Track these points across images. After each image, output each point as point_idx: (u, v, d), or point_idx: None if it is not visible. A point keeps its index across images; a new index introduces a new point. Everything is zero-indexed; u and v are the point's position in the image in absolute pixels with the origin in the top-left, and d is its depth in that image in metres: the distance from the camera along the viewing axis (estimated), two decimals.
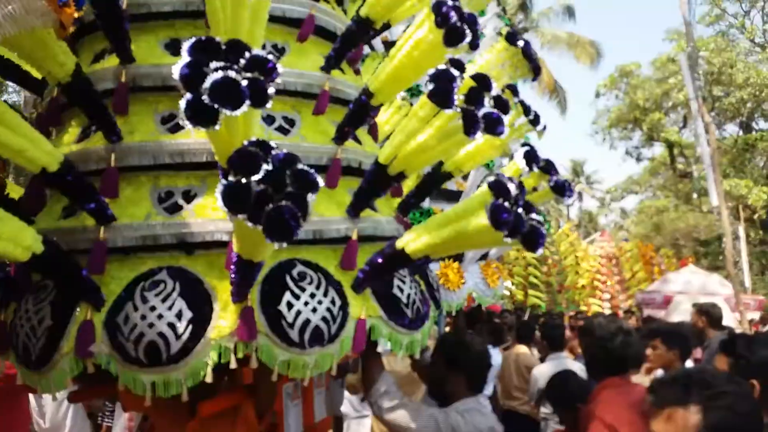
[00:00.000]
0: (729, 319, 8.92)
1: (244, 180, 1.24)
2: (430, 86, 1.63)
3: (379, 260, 1.82)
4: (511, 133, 2.15)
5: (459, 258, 4.87)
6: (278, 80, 1.33)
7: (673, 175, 24.45)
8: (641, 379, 3.33)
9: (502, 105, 1.74)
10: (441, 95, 1.63)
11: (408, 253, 1.74)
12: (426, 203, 4.45)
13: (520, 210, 1.51)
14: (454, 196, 5.29)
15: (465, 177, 5.46)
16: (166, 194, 1.84)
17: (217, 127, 1.25)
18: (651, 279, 15.32)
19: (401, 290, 1.96)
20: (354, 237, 1.89)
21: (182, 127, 1.86)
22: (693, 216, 29.58)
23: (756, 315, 10.98)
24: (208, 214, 1.77)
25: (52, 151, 1.61)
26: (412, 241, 1.74)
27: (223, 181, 1.24)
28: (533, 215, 1.53)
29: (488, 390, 5.15)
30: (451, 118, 1.68)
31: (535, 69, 2.24)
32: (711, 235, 29.27)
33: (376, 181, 1.94)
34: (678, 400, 1.37)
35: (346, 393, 4.89)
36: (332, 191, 1.97)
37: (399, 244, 1.77)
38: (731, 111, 19.65)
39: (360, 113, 2.01)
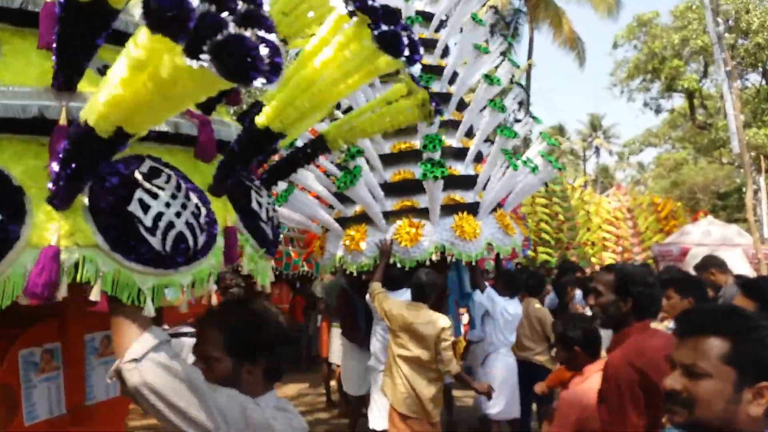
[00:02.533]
0: (746, 270, 8.87)
1: None
2: None
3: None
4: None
5: (473, 210, 4.91)
6: None
7: (692, 126, 23.93)
8: (657, 326, 3.34)
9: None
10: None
11: (272, 129, 1.40)
12: (437, 155, 4.48)
13: None
14: (461, 154, 5.29)
15: (469, 135, 5.49)
16: None
17: None
18: (664, 232, 15.22)
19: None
20: None
21: None
22: (711, 169, 29.14)
23: None
24: (22, 79, 1.27)
25: None
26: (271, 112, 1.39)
27: None
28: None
29: (512, 337, 5.28)
30: None
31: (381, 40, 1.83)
32: (729, 188, 28.89)
33: None
34: (708, 329, 1.32)
35: (372, 347, 4.97)
36: None
37: (258, 120, 1.41)
38: (749, 58, 19.04)
39: None
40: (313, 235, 7.20)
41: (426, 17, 5.73)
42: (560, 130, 50.07)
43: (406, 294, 4.52)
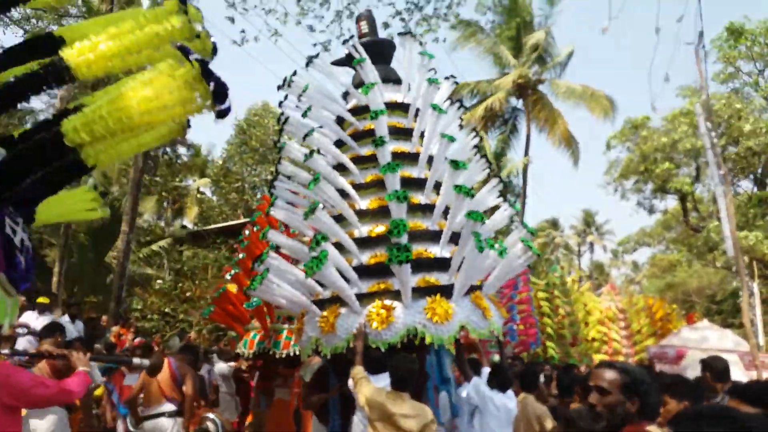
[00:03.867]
0: (742, 378, 8.66)
1: None
2: None
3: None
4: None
5: (447, 293, 4.90)
6: None
7: (685, 228, 24.26)
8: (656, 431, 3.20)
9: None
10: None
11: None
12: (405, 240, 4.56)
13: None
14: (438, 236, 5.37)
15: (447, 216, 5.56)
16: None
17: None
18: (658, 335, 15.07)
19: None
20: None
21: None
22: (706, 272, 29.20)
23: None
24: None
25: None
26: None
27: None
28: None
29: None
30: None
31: (216, 93, 1.64)
32: (724, 292, 28.83)
33: None
34: None
35: (357, 418, 4.73)
36: None
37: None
38: (741, 163, 19.62)
39: None
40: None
41: (403, 108, 6.05)
42: (554, 225, 50.65)
43: (388, 378, 4.40)
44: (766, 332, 18.31)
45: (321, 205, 4.91)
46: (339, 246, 5.07)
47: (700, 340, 10.55)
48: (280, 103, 6.03)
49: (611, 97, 25.57)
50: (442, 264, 5.08)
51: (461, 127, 6.19)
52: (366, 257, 5.14)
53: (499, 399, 5.02)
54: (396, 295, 4.81)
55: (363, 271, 5.03)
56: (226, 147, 26.68)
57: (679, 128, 20.42)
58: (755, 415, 1.37)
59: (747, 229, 18.73)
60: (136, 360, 3.98)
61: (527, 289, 12.92)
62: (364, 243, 5.21)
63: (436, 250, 5.19)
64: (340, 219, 5.33)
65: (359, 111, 6.05)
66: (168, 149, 25.38)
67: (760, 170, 20.59)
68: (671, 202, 24.74)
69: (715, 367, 4.90)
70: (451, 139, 5.37)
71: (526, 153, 26.48)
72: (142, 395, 5.87)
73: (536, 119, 26.58)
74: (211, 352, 9.07)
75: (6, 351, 4.28)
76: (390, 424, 3.90)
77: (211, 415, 6.37)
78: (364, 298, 4.89)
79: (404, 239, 4.48)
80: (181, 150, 26.66)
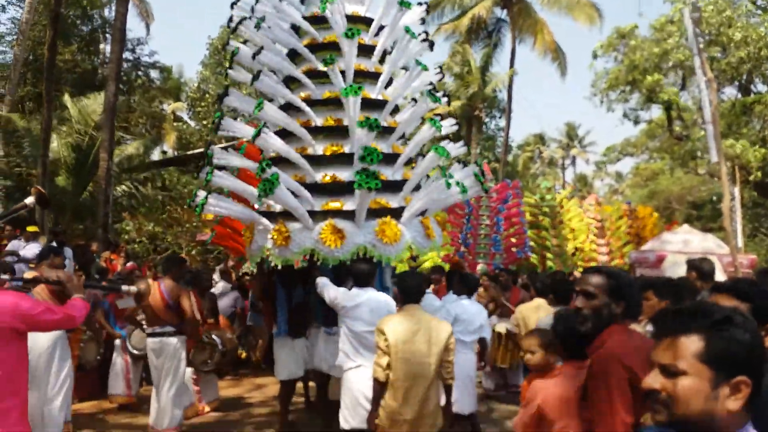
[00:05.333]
0: (720, 278, 8.97)
1: None
2: None
3: None
4: None
5: (398, 215, 5.17)
6: None
7: (669, 137, 24.27)
8: (635, 328, 3.32)
9: None
10: None
11: None
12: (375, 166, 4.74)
13: None
14: (392, 159, 5.44)
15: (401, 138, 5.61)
16: None
17: None
18: (641, 240, 15.49)
19: None
20: None
21: None
22: (687, 178, 29.61)
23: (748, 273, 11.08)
24: None
25: None
26: None
27: None
28: None
29: (467, 337, 5.49)
30: None
31: None
32: (705, 198, 29.36)
33: None
34: (680, 328, 1.34)
35: (341, 344, 4.90)
36: None
37: None
38: (729, 72, 19.35)
39: None
40: None
41: (366, 22, 5.78)
42: (541, 139, 50.60)
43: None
44: (743, 234, 18.83)
45: (266, 127, 5.00)
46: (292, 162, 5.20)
47: (682, 244, 10.83)
48: (232, 4, 5.79)
49: (597, 5, 24.87)
50: (393, 186, 5.27)
51: (430, 42, 5.98)
52: (320, 176, 5.23)
53: (455, 303, 5.56)
54: (347, 214, 5.01)
55: (316, 189, 5.15)
56: (201, 69, 25.85)
57: (669, 39, 19.91)
58: (732, 308, 1.42)
59: (732, 137, 18.80)
60: (124, 287, 4.01)
61: (518, 203, 13.21)
62: (318, 161, 5.28)
63: (388, 173, 5.35)
64: (292, 135, 5.38)
65: (318, 20, 5.70)
66: (140, 72, 24.53)
67: (745, 77, 20.37)
68: (656, 112, 24.63)
69: (702, 268, 4.95)
70: (424, 68, 5.37)
71: (512, 65, 25.97)
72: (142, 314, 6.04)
73: (520, 30, 25.86)
74: (200, 271, 9.15)
75: (6, 276, 4.35)
76: (419, 340, 3.85)
77: (212, 334, 6.53)
78: (316, 215, 5.05)
79: (374, 166, 4.62)
80: (153, 74, 25.80)
